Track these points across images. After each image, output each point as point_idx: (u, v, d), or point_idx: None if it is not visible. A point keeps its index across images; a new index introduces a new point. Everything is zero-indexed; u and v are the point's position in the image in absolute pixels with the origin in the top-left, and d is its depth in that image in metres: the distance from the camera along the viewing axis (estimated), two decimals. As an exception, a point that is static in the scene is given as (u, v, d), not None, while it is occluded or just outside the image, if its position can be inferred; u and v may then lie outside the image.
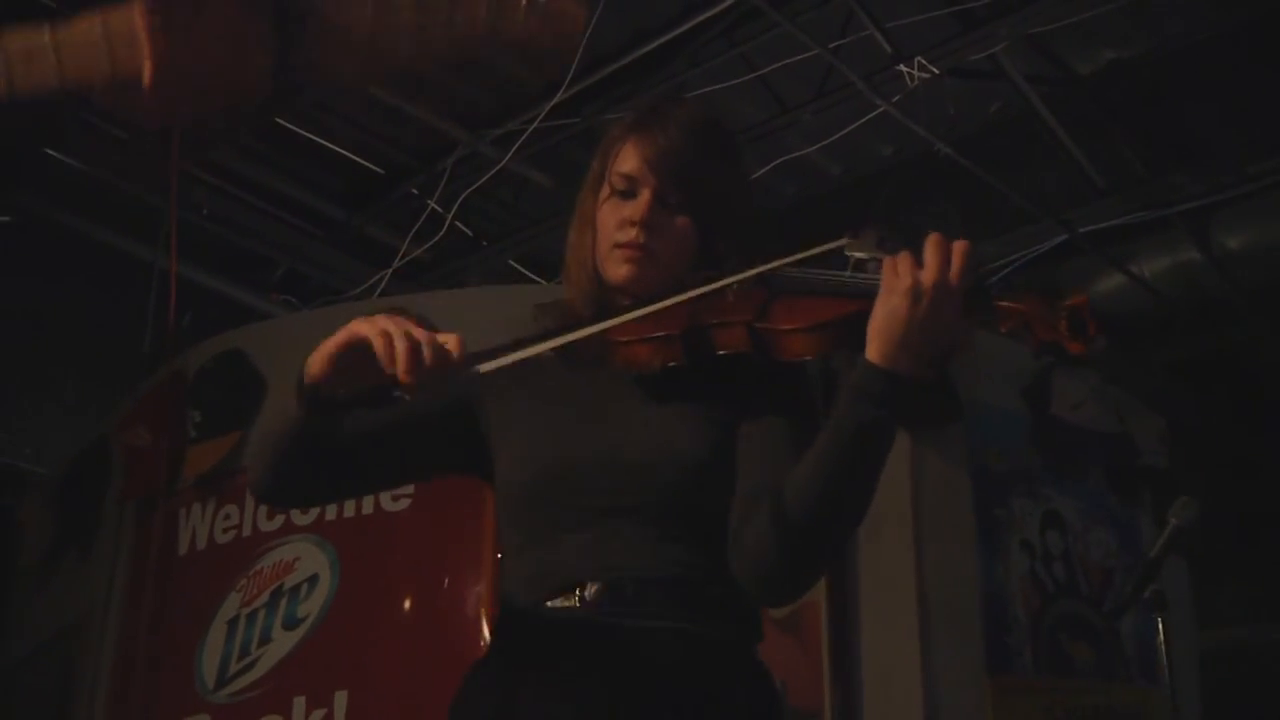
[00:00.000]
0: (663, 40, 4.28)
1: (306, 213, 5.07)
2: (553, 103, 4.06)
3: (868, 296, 1.62)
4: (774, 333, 1.71)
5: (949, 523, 4.14)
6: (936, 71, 4.15)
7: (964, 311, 1.59)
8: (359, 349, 1.60)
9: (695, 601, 1.71)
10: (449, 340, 1.58)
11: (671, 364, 1.75)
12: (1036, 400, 4.43)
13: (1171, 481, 4.53)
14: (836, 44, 4.14)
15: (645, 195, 1.85)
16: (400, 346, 1.56)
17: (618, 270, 1.85)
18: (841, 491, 1.60)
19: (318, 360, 1.65)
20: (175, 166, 3.94)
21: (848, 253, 4.67)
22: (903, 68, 4.14)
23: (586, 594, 1.70)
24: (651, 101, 2.02)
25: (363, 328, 1.60)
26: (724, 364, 1.75)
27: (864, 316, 1.61)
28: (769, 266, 1.74)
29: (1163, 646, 3.54)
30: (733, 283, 1.75)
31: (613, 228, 1.88)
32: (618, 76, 4.36)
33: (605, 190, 1.91)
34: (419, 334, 1.58)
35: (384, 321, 1.59)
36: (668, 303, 1.76)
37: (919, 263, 1.59)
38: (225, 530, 4.51)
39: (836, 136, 4.60)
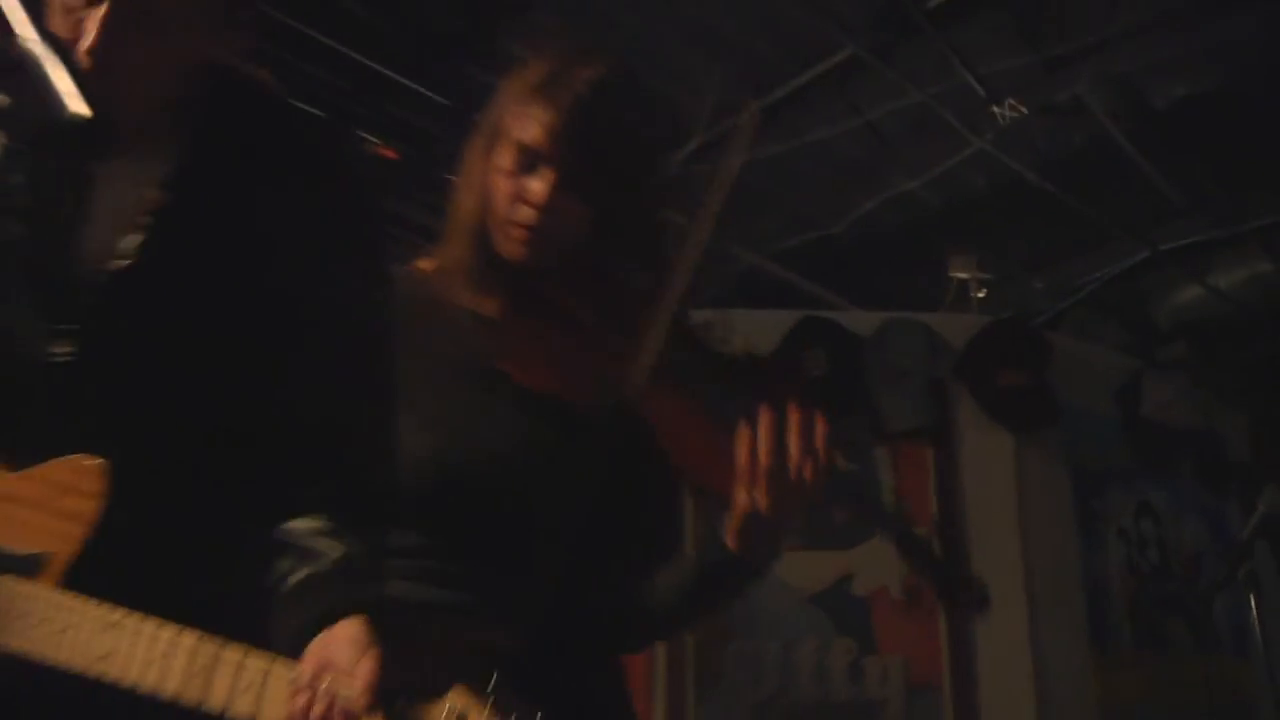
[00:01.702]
0: (782, 94, 4.23)
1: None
2: (686, 151, 4.09)
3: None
4: (668, 450, 1.53)
5: (1051, 515, 4.21)
6: (1025, 111, 4.16)
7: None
8: None
9: None
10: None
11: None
12: (1128, 402, 4.49)
13: (1257, 473, 4.51)
14: (935, 90, 4.10)
15: (549, 175, 1.56)
16: None
17: (509, 247, 1.58)
18: (677, 628, 1.74)
19: None
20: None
21: (952, 274, 4.71)
22: (995, 108, 4.16)
23: None
24: (562, 50, 1.66)
25: None
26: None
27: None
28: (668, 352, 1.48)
29: (1256, 623, 3.59)
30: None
31: (507, 201, 1.58)
32: (731, 128, 4.45)
33: (504, 156, 1.59)
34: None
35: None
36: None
37: (783, 451, 1.42)
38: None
39: (936, 172, 4.61)
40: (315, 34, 3.89)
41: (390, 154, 4.12)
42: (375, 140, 4.14)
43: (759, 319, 4.29)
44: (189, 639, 1.29)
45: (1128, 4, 3.83)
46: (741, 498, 1.43)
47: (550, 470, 1.61)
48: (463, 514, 1.57)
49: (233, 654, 1.28)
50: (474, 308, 1.61)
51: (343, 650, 1.26)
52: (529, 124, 1.54)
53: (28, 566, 1.37)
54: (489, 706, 1.21)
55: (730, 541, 1.47)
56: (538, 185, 1.54)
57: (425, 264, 1.71)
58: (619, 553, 1.63)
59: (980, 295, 4.85)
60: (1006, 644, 3.95)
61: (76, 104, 1.24)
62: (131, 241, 1.46)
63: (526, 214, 1.54)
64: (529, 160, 1.55)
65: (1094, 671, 4.11)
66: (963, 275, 4.85)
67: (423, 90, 4.19)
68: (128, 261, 1.44)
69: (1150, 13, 3.86)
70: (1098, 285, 5.05)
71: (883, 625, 3.96)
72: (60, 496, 1.40)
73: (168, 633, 1.28)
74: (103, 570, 1.36)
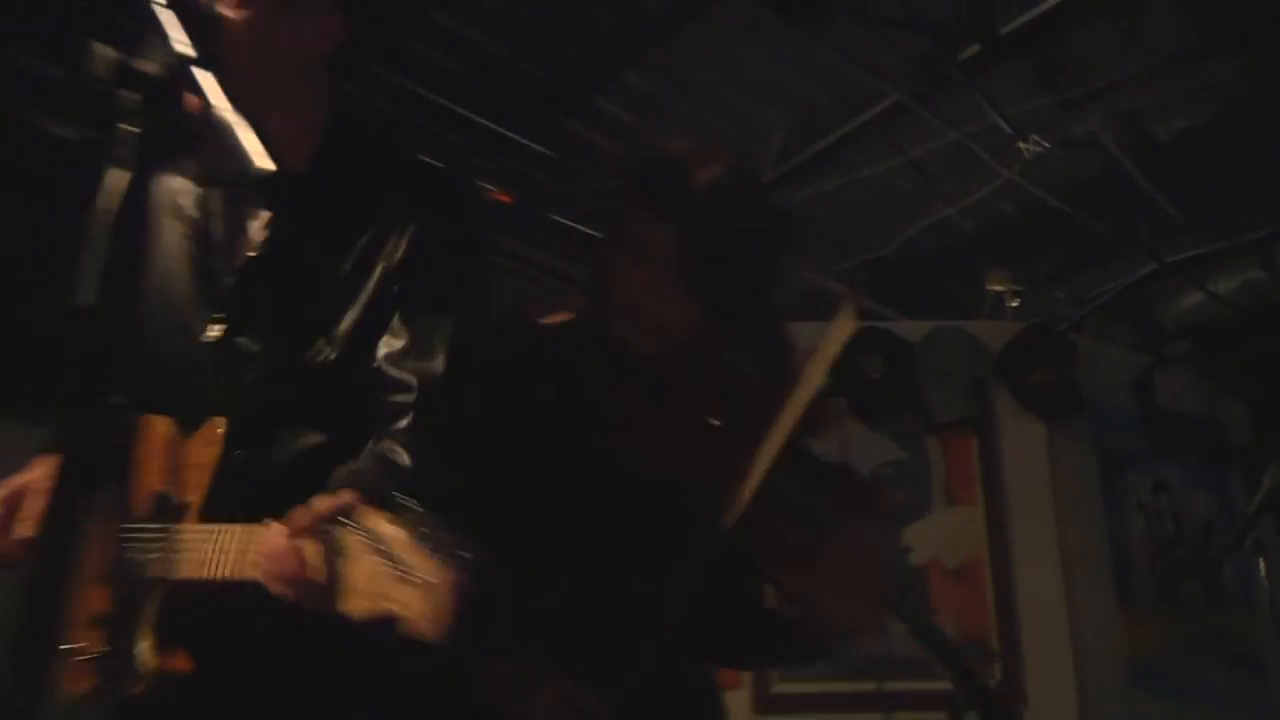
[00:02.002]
0: (833, 139, 4.35)
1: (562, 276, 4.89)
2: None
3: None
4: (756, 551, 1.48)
5: (1079, 492, 4.32)
6: (1046, 146, 4.22)
7: None
8: None
9: None
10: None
11: None
12: (1143, 394, 4.61)
13: (1257, 453, 4.64)
14: (968, 130, 4.16)
15: (665, 272, 1.53)
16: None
17: (627, 336, 1.57)
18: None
19: None
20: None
21: (988, 287, 4.73)
22: (1020, 144, 4.23)
23: None
24: (681, 150, 1.58)
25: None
26: None
27: None
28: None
29: (1265, 582, 3.77)
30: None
31: (625, 291, 1.57)
32: (794, 168, 4.41)
33: (626, 252, 1.57)
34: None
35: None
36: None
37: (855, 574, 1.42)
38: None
39: (971, 201, 4.65)
40: (438, 99, 4.08)
41: (505, 199, 4.34)
42: (491, 187, 4.30)
43: (824, 330, 4.30)
44: (237, 529, 1.41)
45: (1132, 51, 3.88)
46: (820, 613, 1.45)
47: (629, 539, 1.53)
48: (537, 562, 1.48)
49: (259, 529, 1.39)
50: (592, 381, 1.57)
51: (319, 502, 1.32)
52: (646, 221, 1.53)
53: (182, 512, 1.53)
54: (384, 513, 1.26)
55: (802, 634, 1.51)
56: (654, 280, 1.53)
57: (555, 320, 1.68)
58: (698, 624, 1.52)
59: (1013, 305, 4.86)
60: (1044, 603, 4.06)
61: (263, 160, 1.30)
62: (260, 235, 1.61)
63: (644, 307, 1.54)
64: (647, 255, 1.53)
65: (1120, 625, 4.22)
66: (997, 288, 4.88)
67: (530, 144, 4.34)
68: (256, 252, 1.60)
69: (1152, 58, 3.91)
70: (1112, 294, 5.08)
71: (937, 590, 4.05)
72: (203, 450, 1.55)
73: (226, 529, 1.42)
74: (224, 503, 1.50)
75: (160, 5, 1.34)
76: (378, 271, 1.58)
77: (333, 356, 1.57)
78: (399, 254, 1.59)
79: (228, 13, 1.57)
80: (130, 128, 1.42)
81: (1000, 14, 3.77)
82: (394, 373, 1.53)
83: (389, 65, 3.94)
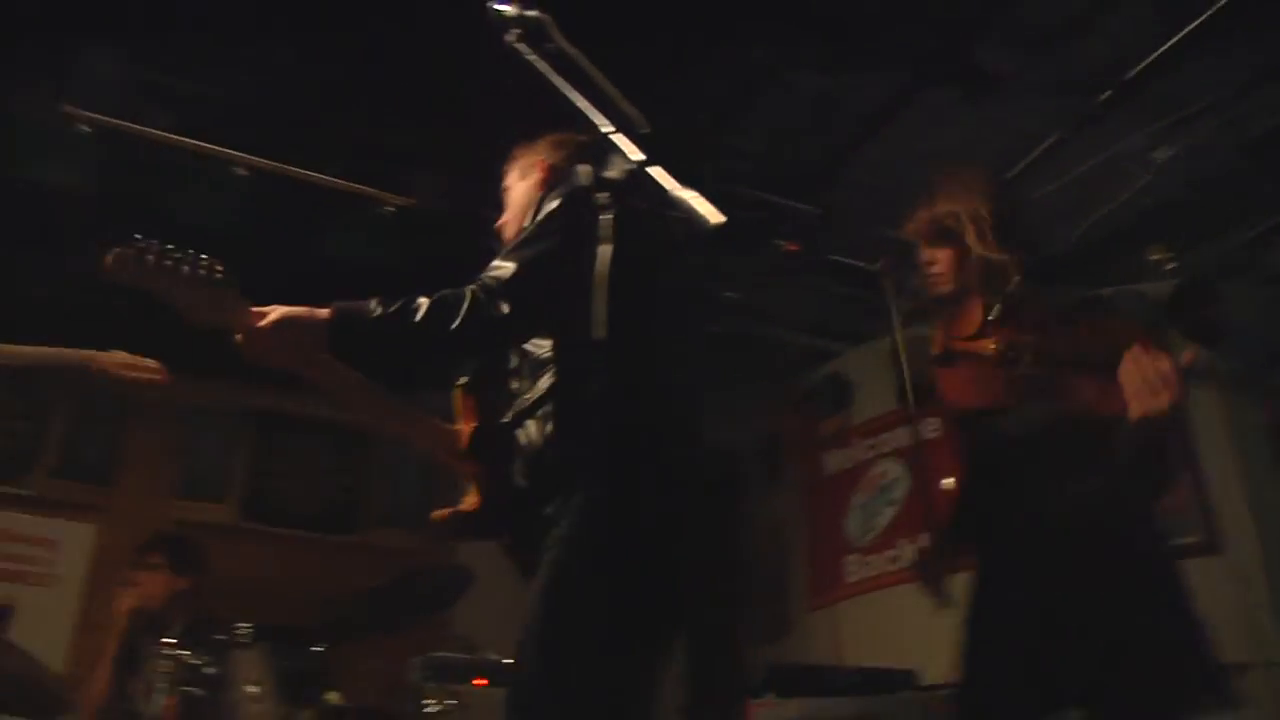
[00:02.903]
0: (1015, 171, 4.80)
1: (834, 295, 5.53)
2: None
3: None
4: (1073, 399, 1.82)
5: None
6: (1170, 154, 4.71)
7: None
8: None
9: None
10: None
11: None
12: (1272, 318, 4.64)
13: None
14: (1112, 150, 4.70)
15: (924, 243, 2.13)
16: None
17: (930, 291, 2.19)
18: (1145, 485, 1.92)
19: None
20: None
21: (1150, 258, 5.26)
22: (1152, 155, 4.73)
23: None
24: (940, 176, 2.18)
25: None
26: None
27: None
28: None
29: None
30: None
31: (924, 264, 2.22)
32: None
33: (914, 232, 2.23)
34: None
35: None
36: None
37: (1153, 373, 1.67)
38: (845, 461, 5.88)
39: (1119, 202, 5.10)
40: (743, 188, 5.00)
41: (794, 247, 5.15)
42: (783, 241, 5.14)
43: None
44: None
45: (1206, 90, 4.39)
46: (1135, 408, 1.75)
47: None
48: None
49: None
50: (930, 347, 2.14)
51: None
52: (919, 219, 2.33)
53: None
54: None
55: (1131, 441, 1.85)
56: (933, 251, 2.26)
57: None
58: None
59: (1169, 268, 4.50)
60: (1221, 469, 4.66)
61: (715, 215, 1.41)
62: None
63: (931, 269, 2.28)
64: (918, 238, 2.28)
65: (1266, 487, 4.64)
66: (1157, 257, 4.51)
67: (804, 208, 5.13)
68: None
69: (1231, 87, 4.38)
70: (1232, 251, 5.22)
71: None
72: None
73: None
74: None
75: (612, 133, 1.59)
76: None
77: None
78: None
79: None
80: (607, 216, 1.73)
81: (1123, 66, 4.37)
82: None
83: (709, 169, 4.88)
